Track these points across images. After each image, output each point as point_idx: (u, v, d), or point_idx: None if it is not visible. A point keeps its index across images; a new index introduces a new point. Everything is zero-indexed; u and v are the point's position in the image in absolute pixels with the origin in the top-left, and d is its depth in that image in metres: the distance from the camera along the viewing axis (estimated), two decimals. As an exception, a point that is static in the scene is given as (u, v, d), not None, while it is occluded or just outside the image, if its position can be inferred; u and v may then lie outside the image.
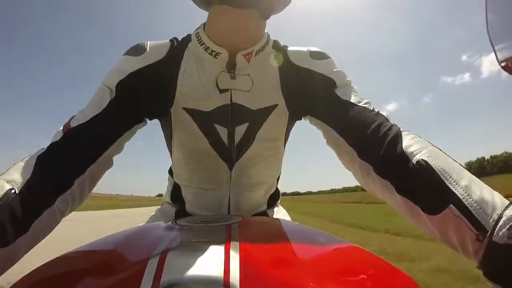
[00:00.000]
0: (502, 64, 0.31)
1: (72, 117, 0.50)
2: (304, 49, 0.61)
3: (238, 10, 0.51)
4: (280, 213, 0.79)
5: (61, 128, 0.49)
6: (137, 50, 0.56)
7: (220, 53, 0.55)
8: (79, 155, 0.47)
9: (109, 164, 0.53)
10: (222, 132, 0.59)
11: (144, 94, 0.55)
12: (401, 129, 0.48)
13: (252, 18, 0.53)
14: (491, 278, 0.33)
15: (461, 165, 0.41)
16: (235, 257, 0.27)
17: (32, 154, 0.45)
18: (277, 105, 0.59)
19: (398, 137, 0.46)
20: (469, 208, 0.35)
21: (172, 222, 0.42)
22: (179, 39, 0.60)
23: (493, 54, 0.31)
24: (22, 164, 0.43)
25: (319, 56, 0.60)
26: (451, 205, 0.36)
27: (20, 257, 0.39)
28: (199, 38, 0.57)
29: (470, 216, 0.35)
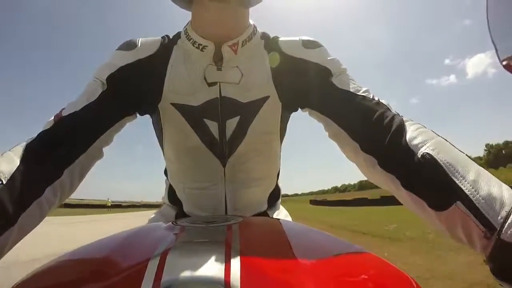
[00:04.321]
0: (504, 63, 0.31)
1: (63, 108, 0.51)
2: (296, 38, 0.59)
3: (218, 4, 0.51)
4: (281, 214, 0.78)
5: (52, 117, 0.49)
6: (129, 45, 0.57)
7: (207, 46, 0.55)
8: (70, 143, 0.47)
9: (99, 155, 0.54)
10: (212, 126, 0.58)
11: (133, 87, 0.55)
12: (404, 118, 0.46)
13: (233, 9, 0.52)
14: (498, 275, 0.33)
15: (468, 156, 0.40)
16: (235, 258, 0.27)
17: (21, 143, 0.44)
18: (268, 96, 0.58)
19: (401, 129, 0.44)
20: (477, 204, 0.34)
21: (172, 223, 0.42)
22: (171, 37, 0.60)
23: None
24: (10, 153, 0.42)
25: (312, 44, 0.58)
26: (458, 201, 0.36)
27: (7, 250, 0.38)
28: (187, 33, 0.57)
29: (478, 213, 0.34)
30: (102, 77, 0.54)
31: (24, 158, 0.41)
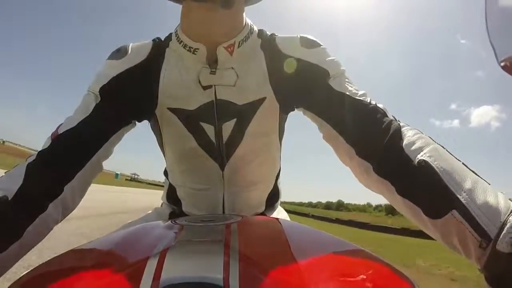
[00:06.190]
0: (502, 64, 0.31)
1: (60, 124, 0.50)
2: (294, 36, 0.57)
3: (200, 4, 0.49)
4: (279, 215, 0.78)
5: (50, 135, 0.49)
6: (119, 53, 0.56)
7: (198, 49, 0.53)
8: (67, 161, 0.47)
9: (99, 169, 0.53)
10: (209, 130, 0.57)
11: (127, 96, 0.54)
12: (400, 124, 0.46)
13: (217, 10, 0.51)
14: (493, 284, 0.33)
15: (464, 164, 0.40)
16: (234, 257, 0.27)
17: (22, 163, 0.45)
18: (265, 98, 0.56)
19: (398, 135, 0.44)
20: (473, 213, 0.34)
21: (171, 221, 0.42)
22: (162, 39, 0.59)
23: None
24: (12, 172, 0.43)
25: (311, 44, 0.56)
26: (453, 210, 0.35)
27: (13, 264, 0.39)
28: (177, 36, 0.55)
29: (474, 222, 0.34)
30: (95, 89, 0.53)
31: (26, 177, 0.42)
